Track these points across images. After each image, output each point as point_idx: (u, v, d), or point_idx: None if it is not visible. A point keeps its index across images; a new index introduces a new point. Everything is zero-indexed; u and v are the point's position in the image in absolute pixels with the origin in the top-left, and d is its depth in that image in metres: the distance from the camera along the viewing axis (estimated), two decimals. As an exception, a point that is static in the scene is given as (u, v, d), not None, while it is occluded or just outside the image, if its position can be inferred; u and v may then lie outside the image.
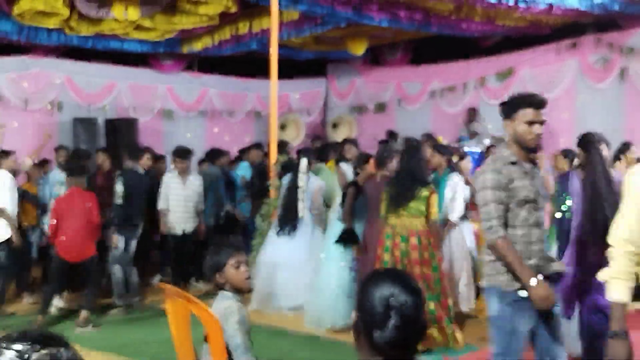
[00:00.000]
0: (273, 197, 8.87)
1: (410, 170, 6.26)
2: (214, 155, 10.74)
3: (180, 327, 3.87)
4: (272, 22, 8.86)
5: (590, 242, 5.67)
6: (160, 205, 8.90)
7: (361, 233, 7.06)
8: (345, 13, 9.85)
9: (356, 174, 7.36)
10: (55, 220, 7.44)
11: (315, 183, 8.19)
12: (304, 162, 8.13)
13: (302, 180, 8.07)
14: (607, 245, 5.46)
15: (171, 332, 3.97)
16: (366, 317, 1.84)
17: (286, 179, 8.32)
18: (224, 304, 3.50)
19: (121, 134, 11.83)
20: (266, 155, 10.54)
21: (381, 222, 6.49)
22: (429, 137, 12.12)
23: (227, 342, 3.40)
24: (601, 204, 5.54)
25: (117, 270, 8.16)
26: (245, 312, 3.50)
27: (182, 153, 9.10)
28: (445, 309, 6.31)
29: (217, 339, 3.50)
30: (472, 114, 12.78)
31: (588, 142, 5.86)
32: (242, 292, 3.55)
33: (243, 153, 11.61)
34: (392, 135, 13.49)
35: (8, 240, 7.60)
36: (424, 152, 6.73)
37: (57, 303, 8.06)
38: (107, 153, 9.73)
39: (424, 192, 6.27)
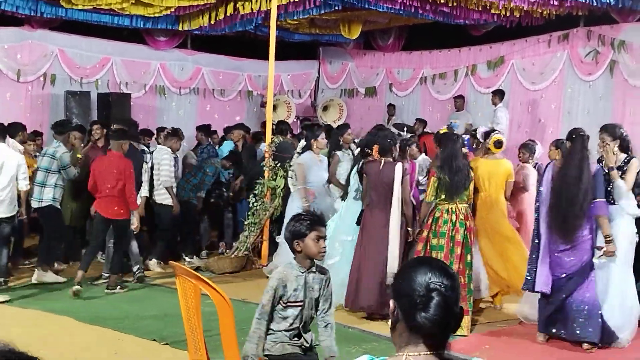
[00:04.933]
0: (267, 177, 8.98)
1: (459, 159, 6.68)
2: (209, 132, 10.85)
3: (189, 306, 3.97)
4: (272, 3, 8.90)
5: (553, 228, 6.01)
6: (170, 182, 8.95)
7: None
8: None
9: (366, 154, 7.35)
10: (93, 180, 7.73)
11: (298, 159, 8.46)
12: (301, 142, 8.25)
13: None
14: (565, 231, 5.85)
15: (181, 310, 4.08)
16: (407, 301, 1.88)
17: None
18: (280, 268, 3.96)
19: (114, 108, 11.82)
20: (249, 135, 10.80)
21: (427, 208, 6.77)
22: (423, 124, 12.36)
23: None
24: (563, 194, 5.88)
25: (111, 243, 8.23)
26: (287, 282, 3.82)
27: (180, 132, 9.36)
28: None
29: (226, 318, 3.64)
30: (459, 102, 12.95)
31: (574, 136, 6.11)
32: (312, 261, 3.87)
33: (227, 132, 11.61)
34: (391, 106, 13.78)
35: (14, 216, 7.74)
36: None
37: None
38: (103, 125, 9.75)
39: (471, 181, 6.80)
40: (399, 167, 6.88)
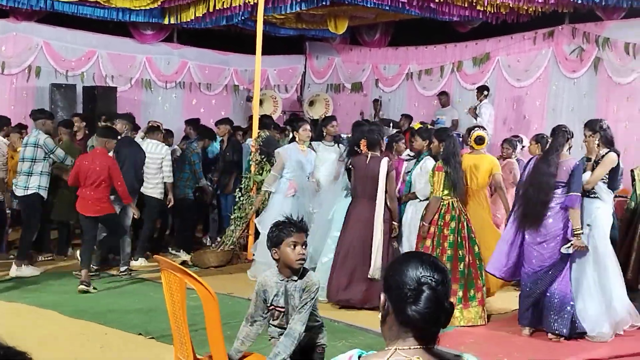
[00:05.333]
0: (254, 171, 8.99)
1: (458, 155, 6.85)
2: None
3: (175, 300, 3.97)
4: (260, -2, 8.90)
5: (521, 216, 6.18)
6: (172, 178, 9.13)
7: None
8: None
9: (355, 151, 7.40)
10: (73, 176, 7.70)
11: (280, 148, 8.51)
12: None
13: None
14: (532, 219, 5.99)
15: (166, 305, 4.08)
16: (397, 294, 1.89)
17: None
18: (265, 273, 3.96)
19: (99, 102, 11.77)
20: (236, 130, 10.75)
21: (436, 203, 6.77)
22: (409, 119, 12.39)
23: None
24: (534, 184, 6.06)
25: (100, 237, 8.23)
26: (267, 288, 3.86)
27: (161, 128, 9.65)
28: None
29: (212, 312, 3.66)
30: (444, 99, 13.01)
31: (557, 132, 6.23)
32: (293, 270, 3.79)
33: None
34: (376, 101, 13.82)
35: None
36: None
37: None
38: (84, 119, 9.71)
39: None
40: (384, 161, 6.93)
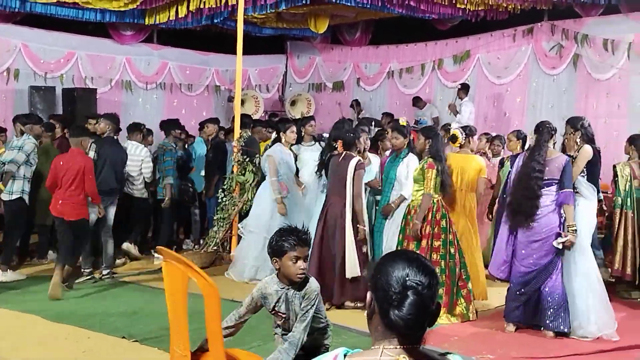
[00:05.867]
0: (236, 172, 8.95)
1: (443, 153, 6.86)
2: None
3: (175, 292, 3.91)
4: (240, -2, 8.88)
5: (511, 213, 6.20)
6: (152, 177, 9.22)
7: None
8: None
9: (333, 147, 7.40)
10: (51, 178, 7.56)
11: (270, 151, 8.39)
12: (273, 136, 8.31)
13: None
14: (521, 216, 5.99)
15: (166, 297, 4.02)
16: (382, 296, 1.86)
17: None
18: (264, 279, 3.93)
19: (79, 103, 11.68)
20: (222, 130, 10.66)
21: (429, 201, 6.73)
22: (390, 117, 12.43)
23: None
24: (522, 181, 6.09)
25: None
26: (268, 296, 3.85)
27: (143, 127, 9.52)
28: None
29: (213, 305, 3.62)
30: (418, 101, 13.08)
31: (541, 128, 6.26)
32: (292, 282, 3.76)
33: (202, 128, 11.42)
34: (357, 103, 13.84)
35: None
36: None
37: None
38: (60, 120, 9.60)
39: None
40: (352, 161, 6.94)
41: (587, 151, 6.41)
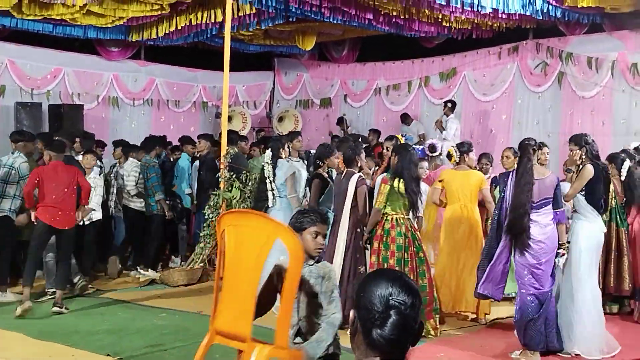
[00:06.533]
0: (223, 188, 8.94)
1: (414, 171, 6.73)
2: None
3: (248, 255, 3.69)
4: (227, 14, 8.90)
5: (506, 232, 6.14)
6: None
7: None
8: (297, 8, 9.96)
9: (318, 166, 7.46)
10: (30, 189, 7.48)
11: (287, 167, 8.09)
12: (268, 153, 8.09)
13: (267, 171, 8.00)
14: (515, 234, 5.90)
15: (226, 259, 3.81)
16: (365, 315, 1.85)
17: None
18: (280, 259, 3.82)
19: (66, 120, 11.65)
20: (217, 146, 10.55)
21: (377, 215, 6.72)
22: (377, 134, 12.47)
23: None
24: (514, 199, 6.06)
25: (50, 258, 8.11)
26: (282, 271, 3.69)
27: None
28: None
29: (295, 267, 3.53)
30: (406, 118, 13.15)
31: (521, 145, 6.28)
32: (311, 257, 3.79)
33: (183, 144, 11.27)
34: (341, 120, 13.86)
35: None
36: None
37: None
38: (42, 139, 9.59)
39: None
40: (354, 178, 6.98)
41: (588, 171, 6.31)
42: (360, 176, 7.06)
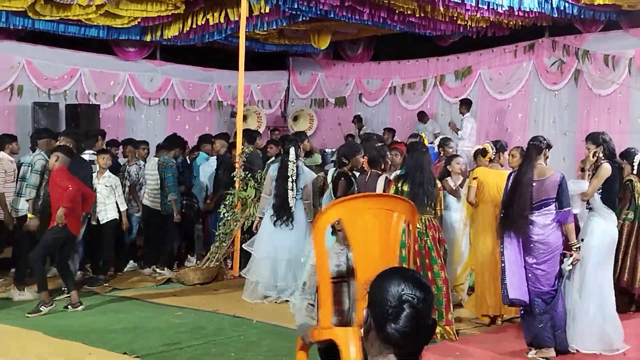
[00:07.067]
0: (238, 187, 8.97)
1: (427, 171, 6.53)
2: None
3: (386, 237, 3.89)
4: (242, 14, 8.93)
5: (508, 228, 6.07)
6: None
7: None
8: (312, 7, 9.97)
9: (343, 164, 7.45)
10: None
11: (308, 173, 8.11)
12: (292, 151, 7.94)
13: (291, 170, 7.90)
14: (517, 229, 5.83)
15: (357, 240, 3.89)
16: (379, 311, 1.89)
17: (274, 169, 8.18)
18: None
19: (82, 120, 11.73)
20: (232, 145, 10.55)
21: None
22: (392, 133, 12.46)
23: None
24: (515, 197, 5.99)
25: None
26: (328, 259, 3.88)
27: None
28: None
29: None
30: (423, 116, 13.11)
31: (529, 144, 6.23)
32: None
33: (200, 143, 11.27)
34: (359, 119, 13.86)
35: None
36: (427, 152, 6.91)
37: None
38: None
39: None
40: (381, 179, 7.01)
41: (606, 169, 6.22)
42: (387, 177, 7.04)
